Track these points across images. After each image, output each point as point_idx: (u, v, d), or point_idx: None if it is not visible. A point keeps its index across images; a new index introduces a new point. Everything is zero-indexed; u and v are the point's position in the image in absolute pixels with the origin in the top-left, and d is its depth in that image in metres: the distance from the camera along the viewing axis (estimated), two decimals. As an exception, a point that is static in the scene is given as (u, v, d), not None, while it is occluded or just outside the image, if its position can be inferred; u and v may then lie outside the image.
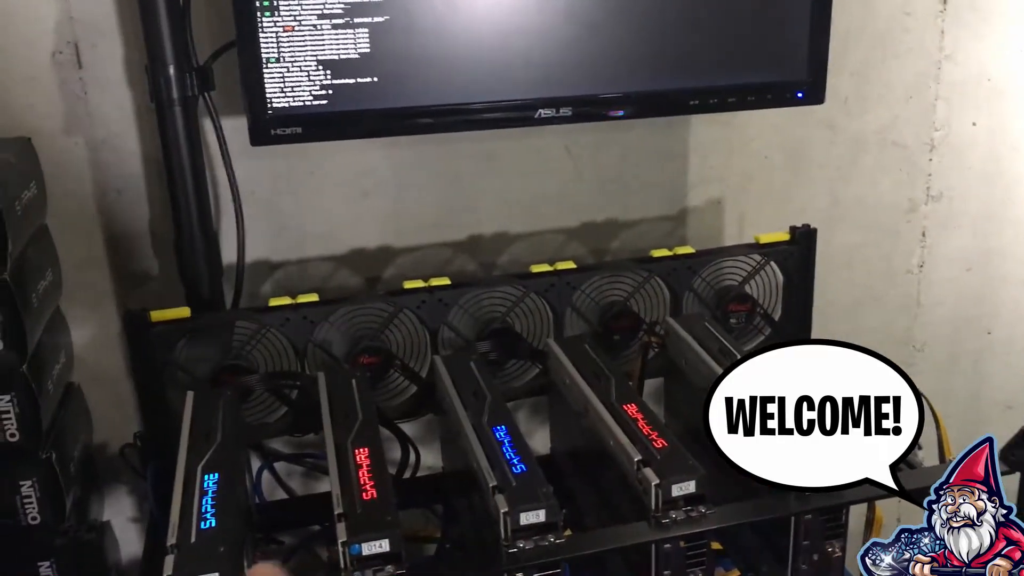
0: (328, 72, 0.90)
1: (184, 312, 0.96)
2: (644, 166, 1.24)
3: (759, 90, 1.02)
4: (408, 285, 1.02)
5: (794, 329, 1.12)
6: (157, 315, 0.95)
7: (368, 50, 0.90)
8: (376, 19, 0.89)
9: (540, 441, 1.13)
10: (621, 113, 1.00)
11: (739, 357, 0.88)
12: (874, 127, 1.31)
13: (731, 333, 1.10)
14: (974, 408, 1.50)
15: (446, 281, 1.02)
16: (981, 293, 1.44)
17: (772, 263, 1.10)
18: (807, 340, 1.04)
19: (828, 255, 1.33)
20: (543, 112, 0.97)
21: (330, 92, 0.91)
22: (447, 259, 1.20)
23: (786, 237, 1.10)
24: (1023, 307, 1.45)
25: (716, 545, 0.92)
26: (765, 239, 1.10)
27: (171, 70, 0.94)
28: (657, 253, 1.08)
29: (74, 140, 1.03)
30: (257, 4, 0.87)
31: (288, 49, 0.89)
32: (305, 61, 0.89)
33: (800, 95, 1.01)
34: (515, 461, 0.76)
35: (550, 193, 1.22)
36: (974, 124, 1.35)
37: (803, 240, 1.10)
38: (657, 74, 0.99)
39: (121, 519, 1.13)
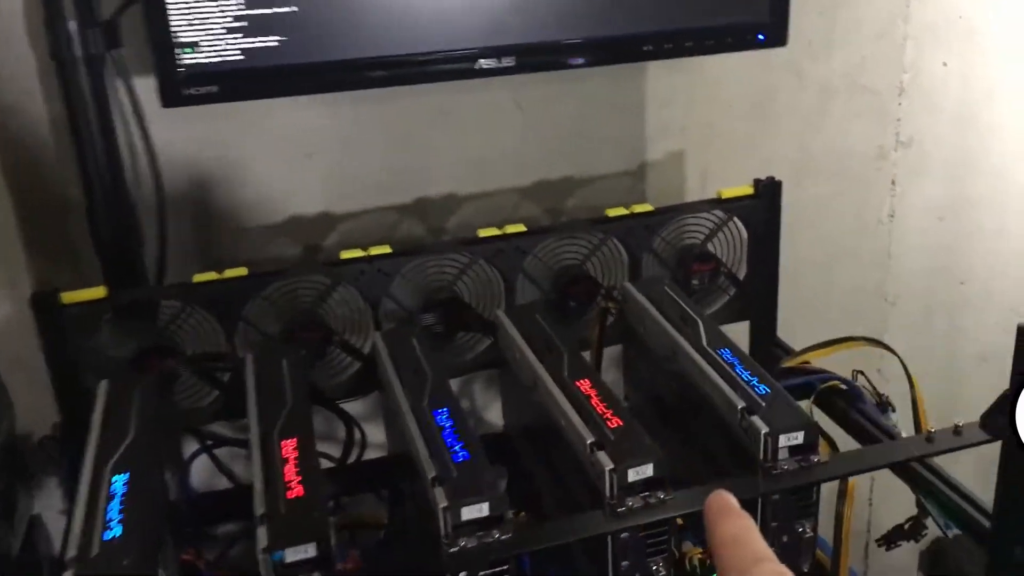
0: (245, 24, 0.82)
1: (99, 292, 0.88)
2: (600, 119, 1.16)
3: (718, 33, 0.95)
4: (346, 255, 0.94)
5: (761, 288, 1.06)
6: (69, 296, 0.87)
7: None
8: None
9: (496, 415, 1.07)
10: (568, 62, 0.92)
11: (695, 318, 0.82)
12: (841, 70, 1.24)
13: (694, 295, 1.03)
14: (949, 361, 1.46)
15: (387, 249, 0.95)
16: (954, 243, 1.39)
17: (735, 219, 1.03)
18: None
19: (797, 208, 1.27)
20: (483, 63, 0.90)
21: (249, 45, 0.82)
22: (392, 224, 1.13)
23: (750, 191, 1.03)
24: (997, 257, 1.40)
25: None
26: (728, 194, 1.03)
27: (72, 25, 0.85)
28: (613, 212, 1.01)
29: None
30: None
31: (199, -4, 0.80)
32: (219, 10, 0.81)
33: (762, 37, 0.94)
34: (457, 448, 0.69)
35: (502, 150, 1.14)
36: (945, 65, 1.28)
37: (767, 193, 1.03)
38: (607, 19, 0.91)
39: (52, 512, 1.06)
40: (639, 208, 1.01)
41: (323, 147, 1.06)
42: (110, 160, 0.91)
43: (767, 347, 1.08)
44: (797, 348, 1.03)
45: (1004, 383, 0.74)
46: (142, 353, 0.89)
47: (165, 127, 0.98)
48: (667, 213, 1.02)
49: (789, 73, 1.21)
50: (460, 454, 0.69)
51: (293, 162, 1.06)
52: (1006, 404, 0.70)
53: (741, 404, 0.71)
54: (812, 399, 0.96)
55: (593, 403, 0.73)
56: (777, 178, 1.06)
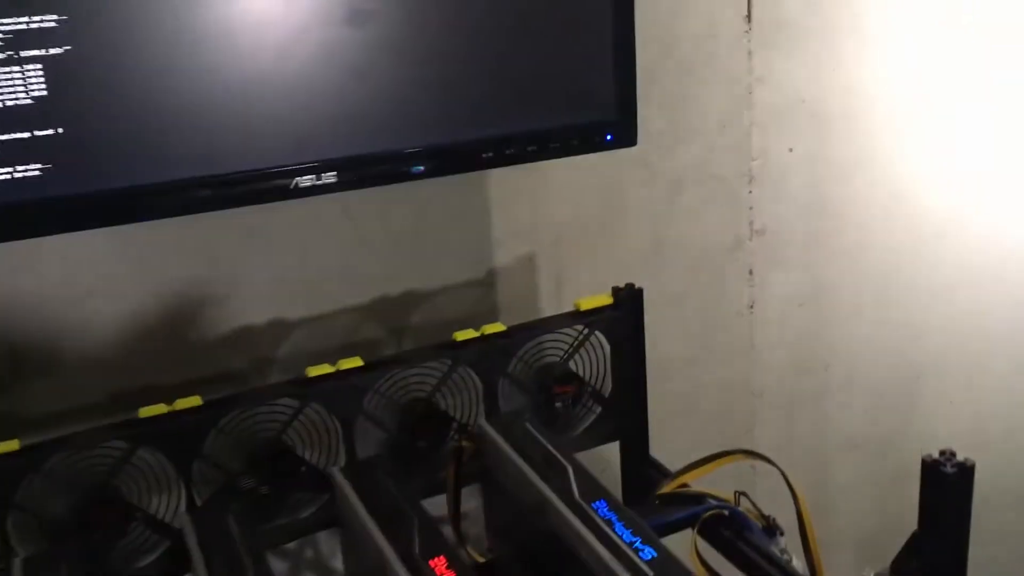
0: (-4, 150, 0.67)
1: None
2: (440, 225, 1.06)
3: (562, 135, 0.87)
4: (145, 413, 0.79)
5: (628, 402, 0.97)
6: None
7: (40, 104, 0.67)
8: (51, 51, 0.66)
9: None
10: (397, 174, 0.81)
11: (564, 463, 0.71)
12: (691, 161, 1.18)
13: (558, 420, 0.93)
14: (818, 450, 1.41)
15: (197, 402, 0.80)
16: (815, 329, 1.35)
17: (596, 332, 0.94)
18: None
19: (657, 306, 1.19)
20: (302, 180, 0.77)
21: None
22: (210, 359, 0.98)
23: (609, 300, 0.94)
24: (857, 341, 1.37)
25: None
26: (586, 305, 0.94)
27: None
28: (461, 336, 0.89)
29: None
30: None
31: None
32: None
33: (610, 138, 0.86)
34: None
35: (331, 266, 1.02)
36: (791, 150, 1.25)
37: (628, 302, 0.94)
38: (440, 126, 0.81)
39: None
40: (490, 329, 0.90)
41: (109, 284, 0.91)
42: None
43: (641, 468, 0.98)
44: (672, 459, 0.94)
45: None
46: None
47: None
48: (522, 332, 0.91)
49: (637, 167, 1.15)
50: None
51: (71, 305, 0.90)
52: (915, 546, 0.62)
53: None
54: (695, 530, 0.87)
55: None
56: (635, 282, 0.97)
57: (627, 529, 0.65)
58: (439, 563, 0.63)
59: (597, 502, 0.68)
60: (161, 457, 0.79)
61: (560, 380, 0.92)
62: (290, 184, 0.77)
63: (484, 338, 0.90)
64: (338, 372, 0.84)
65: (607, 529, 0.65)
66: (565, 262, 1.14)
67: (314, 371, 0.84)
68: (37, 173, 0.68)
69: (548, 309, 1.14)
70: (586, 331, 0.93)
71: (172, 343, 0.96)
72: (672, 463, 0.95)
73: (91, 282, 0.91)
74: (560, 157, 0.91)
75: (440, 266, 1.07)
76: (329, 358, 0.86)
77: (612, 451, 1.01)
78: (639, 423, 0.98)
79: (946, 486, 0.67)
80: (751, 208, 1.25)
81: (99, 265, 0.91)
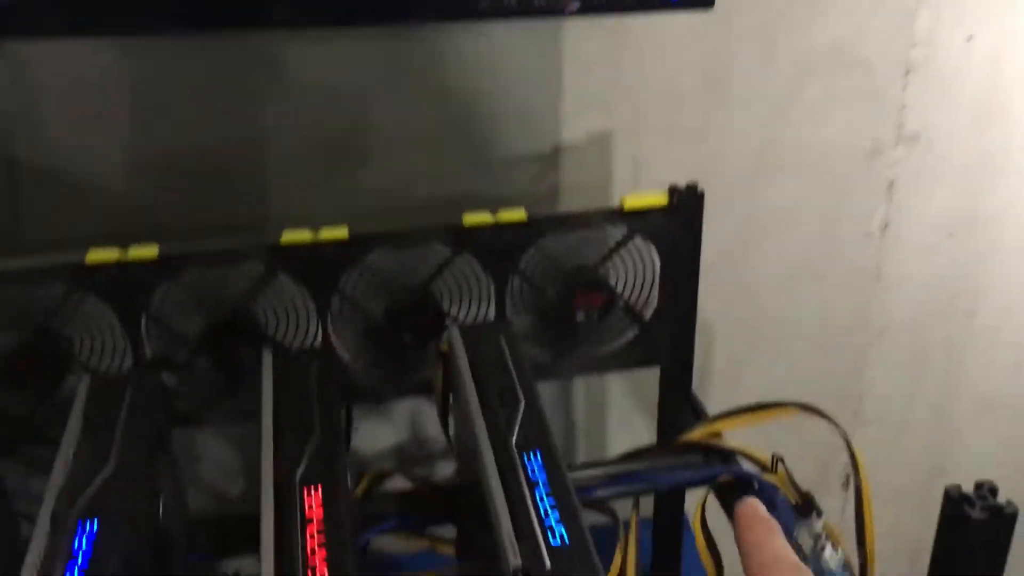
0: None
1: None
2: (502, 85, 0.90)
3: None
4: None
5: (670, 325, 0.80)
6: None
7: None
8: None
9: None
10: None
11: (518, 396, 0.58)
12: (827, 42, 0.95)
13: (577, 335, 0.78)
14: (943, 409, 1.19)
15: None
16: (963, 266, 1.10)
17: (640, 238, 0.77)
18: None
19: (756, 216, 1.01)
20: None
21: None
22: (223, 207, 0.89)
23: (662, 201, 0.77)
24: (1015, 287, 1.12)
25: None
26: (633, 203, 0.77)
27: None
28: (472, 220, 0.75)
29: None
30: None
31: None
32: None
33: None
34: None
35: (370, 123, 0.89)
36: (969, 39, 0.99)
37: (686, 206, 0.77)
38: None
39: None
40: (508, 215, 0.76)
41: (115, 107, 0.83)
42: None
43: (678, 406, 0.83)
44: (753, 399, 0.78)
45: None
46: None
47: None
48: (547, 224, 0.76)
49: (753, 42, 0.93)
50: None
51: (78, 123, 0.82)
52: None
53: (515, 562, 0.47)
54: (705, 495, 0.72)
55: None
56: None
57: (550, 498, 0.51)
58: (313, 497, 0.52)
59: (532, 453, 0.54)
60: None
61: (585, 287, 0.77)
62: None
63: (498, 226, 0.75)
64: (321, 242, 0.73)
65: (526, 492, 0.51)
66: (648, 148, 0.96)
67: (288, 237, 0.73)
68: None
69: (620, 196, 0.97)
70: (628, 234, 0.77)
71: (184, 183, 0.88)
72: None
73: (97, 106, 0.83)
74: (628, 12, 0.72)
75: (499, 132, 0.92)
76: (352, 221, 0.75)
77: (651, 379, 0.86)
78: (682, 352, 0.82)
79: (970, 534, 0.49)
80: (903, 107, 1.01)
81: (103, 87, 0.83)
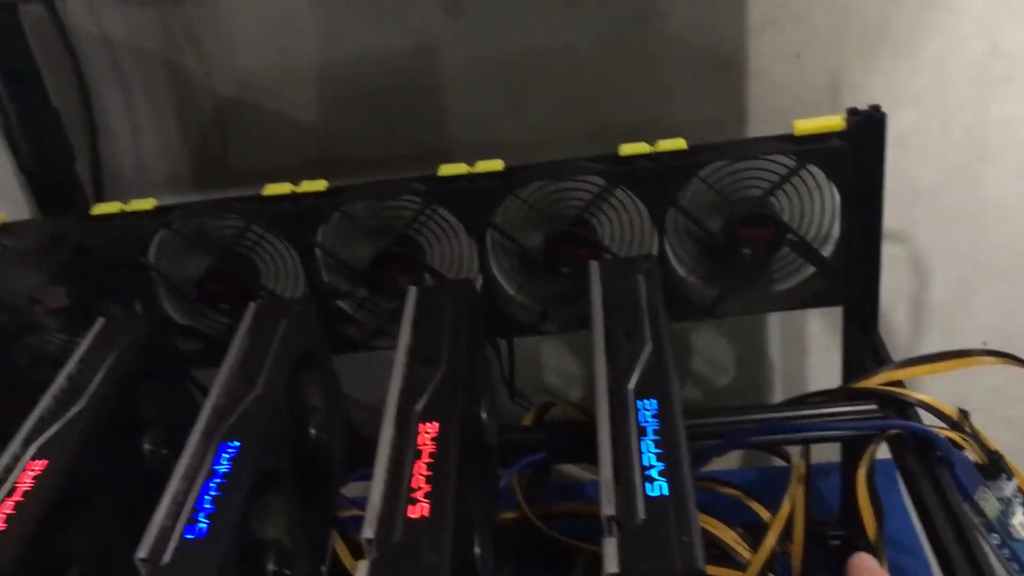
0: None
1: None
2: (686, 5, 0.86)
3: None
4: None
5: (854, 264, 0.74)
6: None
7: None
8: None
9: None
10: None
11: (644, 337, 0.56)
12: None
13: (742, 271, 0.74)
14: None
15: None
16: None
17: (813, 167, 0.71)
18: None
19: (979, 139, 0.89)
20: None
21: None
22: (405, 137, 0.92)
23: (839, 125, 0.70)
24: None
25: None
26: (804, 128, 0.70)
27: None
28: (629, 150, 0.72)
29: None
30: None
31: None
32: None
33: None
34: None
35: (546, 49, 0.88)
36: None
37: (865, 131, 0.69)
38: None
39: None
40: (667, 145, 0.72)
41: (302, 34, 0.87)
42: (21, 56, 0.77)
43: (860, 349, 0.77)
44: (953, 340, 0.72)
45: None
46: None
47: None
48: (708, 154, 0.72)
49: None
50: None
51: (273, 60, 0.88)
52: None
53: (608, 510, 0.46)
54: (873, 448, 0.66)
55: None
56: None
57: (656, 449, 0.49)
58: (427, 430, 0.54)
59: (647, 401, 0.52)
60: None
61: (750, 221, 0.72)
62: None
63: (656, 156, 0.72)
64: (474, 174, 0.73)
65: (632, 439, 0.50)
66: (848, 62, 0.87)
67: (446, 170, 0.74)
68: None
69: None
70: (797, 163, 0.71)
71: (369, 113, 0.91)
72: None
73: (289, 41, 0.87)
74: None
75: (675, 55, 0.88)
76: (525, 150, 0.74)
77: (834, 317, 0.79)
78: (865, 291, 0.75)
79: None
80: None
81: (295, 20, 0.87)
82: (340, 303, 0.77)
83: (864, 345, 0.76)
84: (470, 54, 0.88)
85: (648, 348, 0.56)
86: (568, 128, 0.90)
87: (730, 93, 0.88)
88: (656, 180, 0.72)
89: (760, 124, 0.88)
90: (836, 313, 0.77)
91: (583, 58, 0.87)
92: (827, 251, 0.74)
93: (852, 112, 0.69)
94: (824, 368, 1.00)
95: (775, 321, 1.01)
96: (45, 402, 0.59)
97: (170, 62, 0.90)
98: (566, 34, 0.86)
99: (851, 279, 0.74)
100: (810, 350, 1.02)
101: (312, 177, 0.74)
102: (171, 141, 0.93)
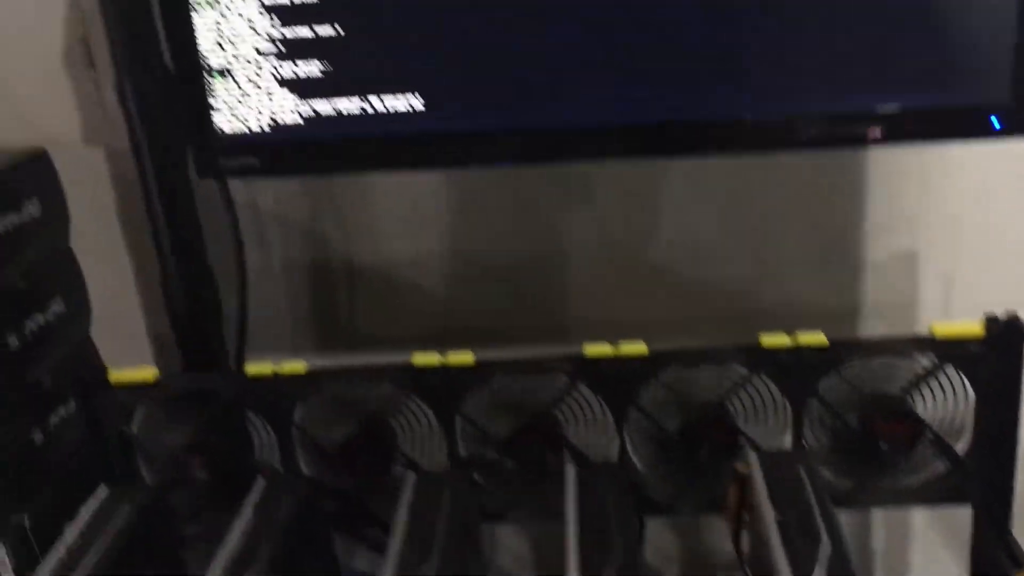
0: (297, 89, 0.69)
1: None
2: (804, 203, 0.91)
3: (944, 115, 0.67)
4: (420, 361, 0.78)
5: (984, 463, 0.75)
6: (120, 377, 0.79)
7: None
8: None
9: None
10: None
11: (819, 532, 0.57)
12: None
13: (878, 464, 0.75)
14: None
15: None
16: None
17: (952, 369, 0.74)
18: None
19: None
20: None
21: (303, 113, 0.69)
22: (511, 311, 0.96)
23: (978, 332, 0.73)
24: None
25: None
26: (944, 331, 0.74)
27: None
28: (770, 342, 0.75)
29: (93, 150, 0.91)
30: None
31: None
32: (269, 63, 0.69)
33: (996, 123, 0.65)
34: None
35: (666, 232, 0.93)
36: None
37: (1005, 338, 0.72)
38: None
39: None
40: (808, 339, 0.75)
41: (437, 217, 0.92)
42: (188, 220, 0.82)
43: (993, 549, 0.77)
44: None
45: None
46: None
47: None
48: (849, 349, 0.75)
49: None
50: None
51: (406, 230, 0.93)
52: None
53: None
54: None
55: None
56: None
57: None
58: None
59: (834, 597, 0.53)
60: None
61: (890, 417, 0.74)
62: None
63: (795, 350, 0.75)
64: (619, 357, 0.76)
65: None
66: (959, 266, 0.91)
67: (591, 351, 0.77)
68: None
69: (928, 321, 0.93)
70: (938, 364, 0.74)
71: (495, 289, 0.95)
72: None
73: (423, 214, 0.93)
74: (937, 140, 0.71)
75: (801, 250, 0.92)
76: (643, 331, 0.78)
77: (962, 516, 0.80)
78: (998, 492, 0.76)
79: None
80: None
81: (431, 199, 0.93)
82: (477, 474, 0.79)
83: (997, 546, 0.76)
84: (596, 236, 0.93)
85: (826, 543, 0.57)
86: (687, 312, 0.93)
87: (852, 283, 0.92)
88: (797, 373, 0.74)
89: (877, 320, 0.91)
90: (944, 511, 0.77)
91: (703, 244, 0.92)
92: (960, 449, 0.75)
93: (991, 319, 0.73)
94: (930, 567, 1.00)
95: (878, 513, 1.01)
96: (221, 562, 0.60)
97: (311, 230, 0.95)
98: (688, 220, 0.91)
99: (985, 479, 0.75)
100: (914, 548, 1.01)
101: (435, 345, 0.77)
102: (301, 301, 0.97)
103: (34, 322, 0.83)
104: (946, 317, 0.92)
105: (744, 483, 0.69)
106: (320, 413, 0.79)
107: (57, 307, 0.87)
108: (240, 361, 0.87)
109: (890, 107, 0.69)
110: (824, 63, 0.69)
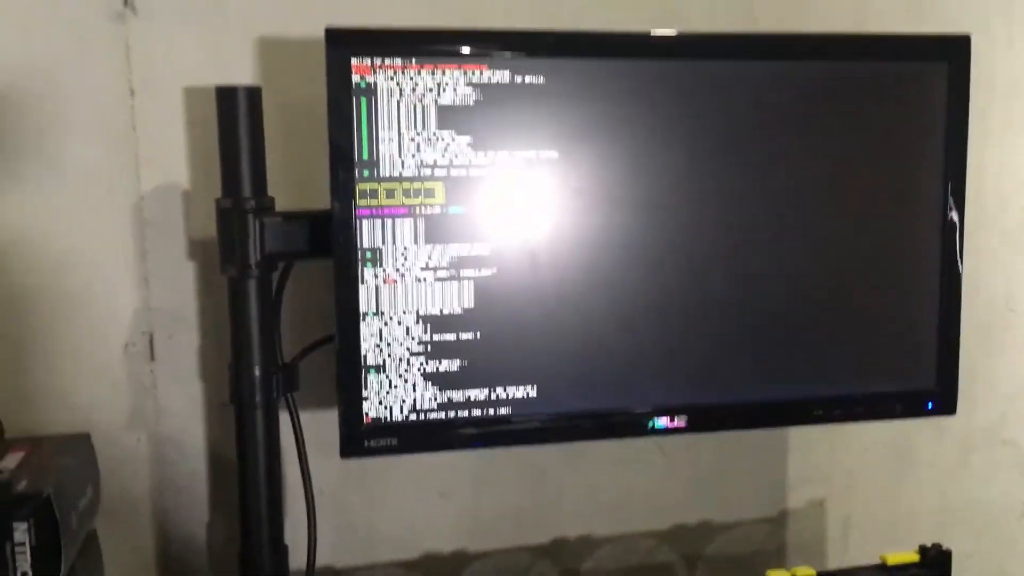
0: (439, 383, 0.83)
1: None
2: (740, 464, 1.15)
3: (887, 400, 0.95)
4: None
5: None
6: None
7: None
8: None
9: None
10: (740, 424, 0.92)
11: None
12: (982, 424, 1.22)
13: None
14: None
15: None
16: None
17: (902, 587, 0.98)
18: None
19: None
20: (657, 421, 0.89)
21: (439, 400, 0.83)
22: (527, 565, 1.09)
23: (915, 558, 0.98)
24: None
25: None
26: (893, 559, 0.98)
27: (256, 371, 0.86)
28: (773, 576, 0.96)
29: (136, 436, 0.95)
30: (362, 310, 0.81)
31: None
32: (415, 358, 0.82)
33: (931, 406, 0.93)
34: None
35: (639, 491, 1.12)
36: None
37: (936, 564, 0.98)
38: (773, 383, 0.91)
39: None
40: (802, 572, 0.96)
41: (457, 484, 1.05)
42: (272, 506, 0.89)
43: None
44: None
45: None
46: None
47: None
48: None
49: (928, 424, 1.20)
50: None
51: (426, 499, 1.04)
52: None
53: None
54: None
55: None
56: (925, 541, 1.00)
57: None
58: None
59: None
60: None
61: (861, 634, 0.96)
62: (647, 425, 0.89)
63: (793, 580, 0.96)
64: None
65: None
66: (855, 510, 1.19)
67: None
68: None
69: (833, 555, 1.18)
70: (892, 585, 0.97)
71: (499, 545, 1.08)
72: None
73: (443, 483, 1.05)
74: (883, 419, 0.98)
75: (736, 501, 1.15)
76: None
77: None
78: None
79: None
80: (1045, 478, 1.26)
81: (450, 470, 1.05)
82: None
83: None
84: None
85: None
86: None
87: (778, 525, 1.15)
88: (799, 600, 0.94)
89: (798, 554, 1.15)
90: None
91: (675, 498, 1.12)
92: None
93: (924, 548, 0.98)
94: None
95: None
96: None
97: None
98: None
99: None
100: None
101: None
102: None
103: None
104: (844, 554, 1.18)
105: None
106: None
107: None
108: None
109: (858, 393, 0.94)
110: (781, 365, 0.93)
